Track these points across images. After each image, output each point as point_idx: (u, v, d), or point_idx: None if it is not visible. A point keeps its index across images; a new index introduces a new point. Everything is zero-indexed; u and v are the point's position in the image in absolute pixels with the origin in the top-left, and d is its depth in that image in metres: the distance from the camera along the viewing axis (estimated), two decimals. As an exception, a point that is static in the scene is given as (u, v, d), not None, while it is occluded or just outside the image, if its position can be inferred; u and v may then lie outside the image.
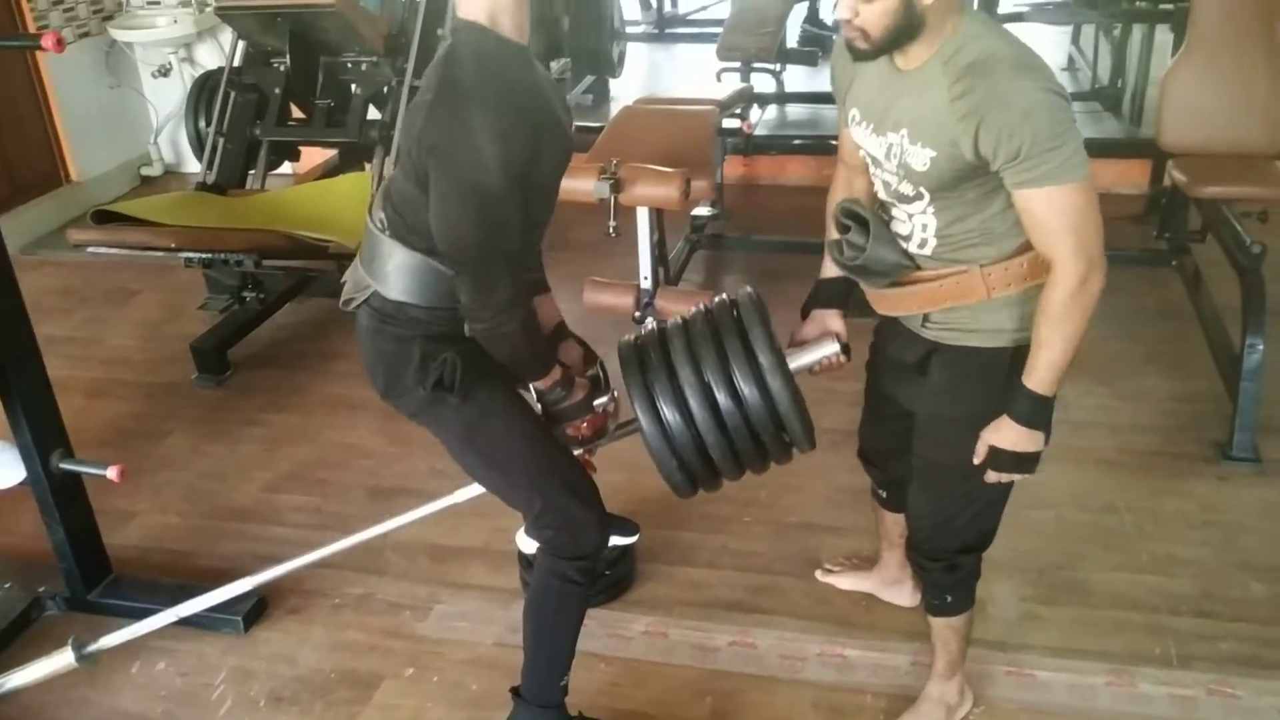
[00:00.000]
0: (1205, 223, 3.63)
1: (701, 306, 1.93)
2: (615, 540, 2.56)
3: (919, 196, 1.77)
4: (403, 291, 1.85)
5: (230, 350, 3.79)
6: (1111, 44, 5.41)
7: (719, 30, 6.99)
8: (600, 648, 2.46)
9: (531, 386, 2.00)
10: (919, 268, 1.85)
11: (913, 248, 1.84)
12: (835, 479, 3.00)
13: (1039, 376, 1.74)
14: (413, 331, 1.87)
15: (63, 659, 2.27)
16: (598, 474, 2.23)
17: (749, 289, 1.92)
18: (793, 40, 6.32)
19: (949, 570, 2.05)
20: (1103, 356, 3.40)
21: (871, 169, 1.86)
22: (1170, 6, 4.65)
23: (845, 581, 2.61)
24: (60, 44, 2.02)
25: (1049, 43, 6.56)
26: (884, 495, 2.35)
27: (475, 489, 2.17)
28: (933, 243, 1.81)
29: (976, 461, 1.87)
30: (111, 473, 2.43)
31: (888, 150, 1.77)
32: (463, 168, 1.65)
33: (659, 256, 3.57)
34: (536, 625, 2.09)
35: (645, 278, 3.51)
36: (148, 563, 2.83)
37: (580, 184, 3.06)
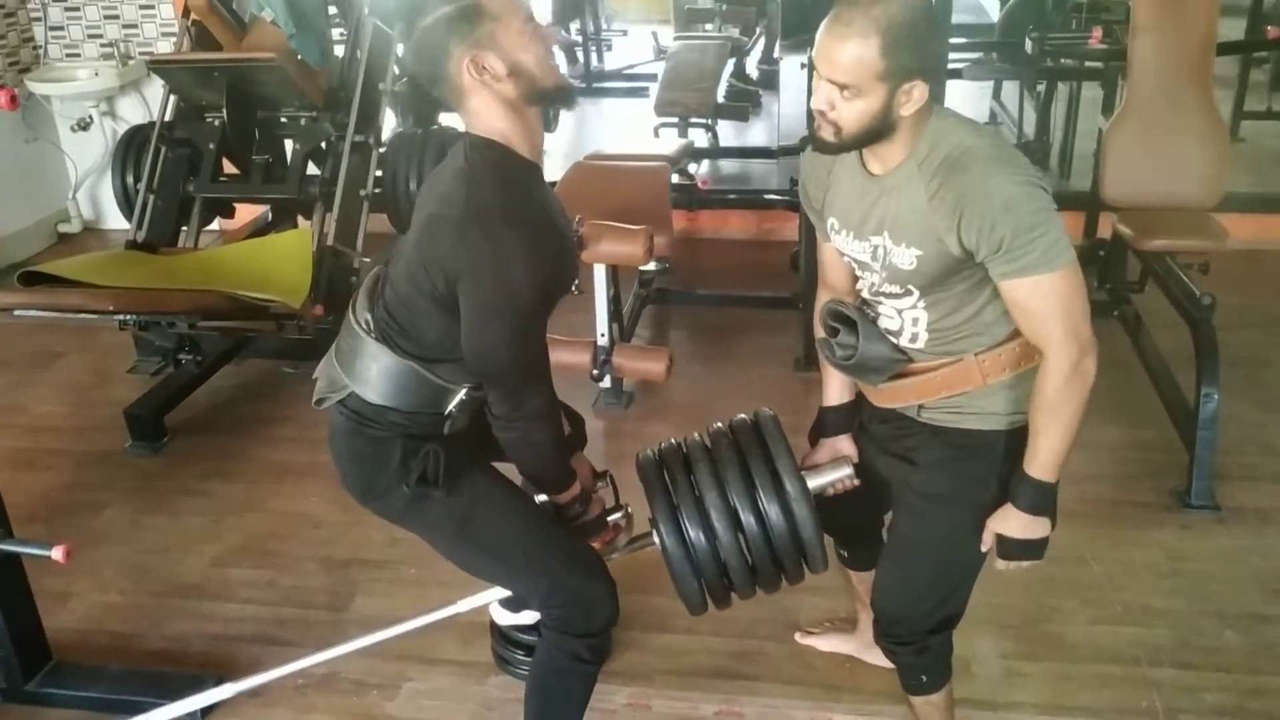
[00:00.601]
0: (1145, 273, 3.73)
1: (721, 426, 1.98)
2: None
3: (908, 293, 1.77)
4: (385, 396, 1.80)
5: (166, 416, 3.62)
6: (1035, 100, 5.57)
7: (646, 85, 7.09)
8: (582, 722, 2.37)
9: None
10: (911, 360, 1.84)
11: (904, 342, 1.84)
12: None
13: (1041, 463, 1.74)
14: (392, 433, 1.81)
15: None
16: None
17: (768, 411, 1.97)
18: (720, 96, 6.39)
19: (920, 653, 2.03)
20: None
21: (858, 271, 1.86)
22: (1099, 65, 4.81)
23: (826, 644, 2.56)
24: (14, 101, 1.91)
25: (969, 97, 6.74)
26: (845, 555, 2.33)
27: (482, 597, 2.11)
28: (924, 336, 1.81)
29: (984, 550, 1.87)
30: (57, 553, 2.27)
31: (873, 253, 1.77)
32: (498, 288, 1.64)
33: (614, 313, 3.53)
34: (542, 708, 2.01)
35: (602, 335, 3.47)
36: (89, 646, 2.65)
37: (542, 242, 3.01)
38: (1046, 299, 1.63)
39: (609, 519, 2.08)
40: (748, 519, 1.86)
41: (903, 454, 1.95)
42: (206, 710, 2.42)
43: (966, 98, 6.78)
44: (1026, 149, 5.53)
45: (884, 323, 1.85)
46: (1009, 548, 1.84)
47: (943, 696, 2.12)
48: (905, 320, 1.82)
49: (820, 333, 1.98)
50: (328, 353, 1.93)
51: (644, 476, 1.96)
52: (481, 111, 1.68)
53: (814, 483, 1.97)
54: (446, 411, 1.83)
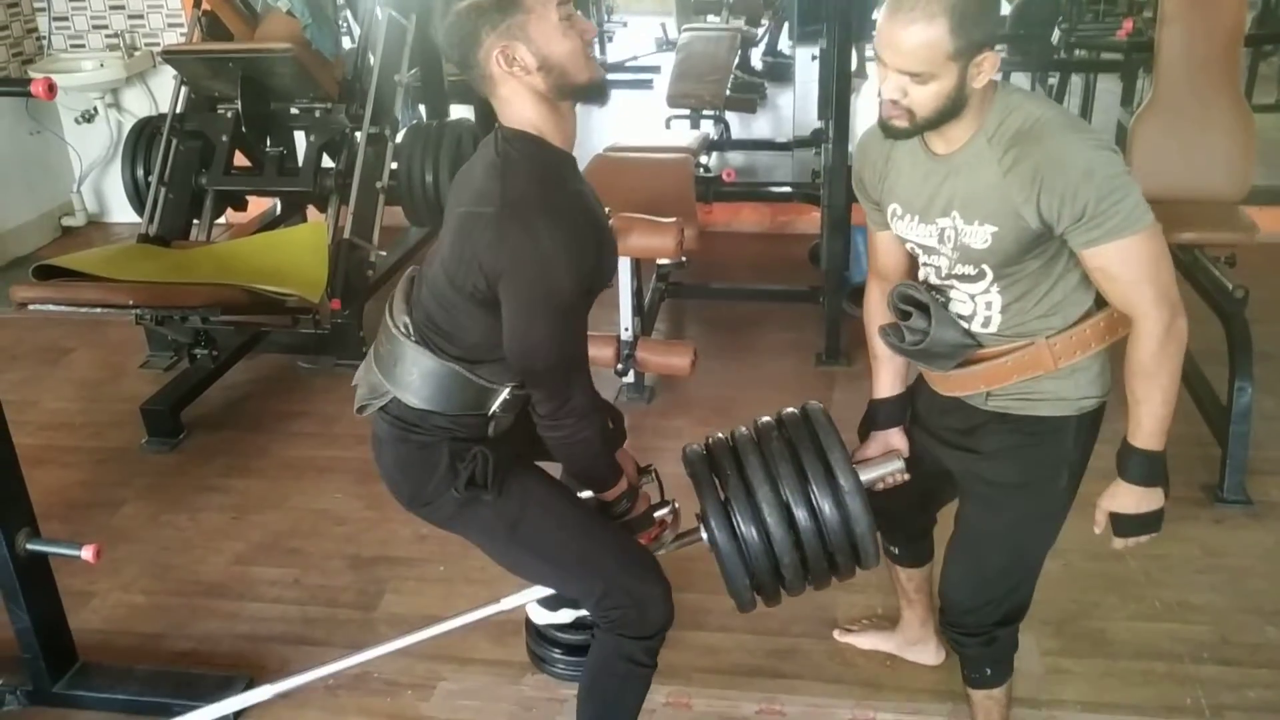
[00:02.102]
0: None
1: (769, 419, 1.94)
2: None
3: (981, 275, 1.74)
4: (428, 400, 1.76)
5: (183, 411, 3.57)
6: (1048, 93, 5.54)
7: (650, 77, 7.05)
8: (622, 723, 2.33)
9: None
10: (981, 345, 1.81)
11: (975, 326, 1.81)
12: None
13: (1146, 432, 1.71)
14: (437, 438, 1.78)
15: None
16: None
17: (817, 404, 1.94)
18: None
19: (987, 644, 2.01)
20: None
21: (923, 258, 1.82)
22: (1119, 57, 4.78)
23: (866, 641, 2.53)
24: (52, 90, 1.86)
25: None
26: (895, 551, 2.29)
27: (523, 595, 2.07)
28: (997, 320, 1.78)
29: (1097, 531, 1.83)
30: (87, 553, 2.24)
31: (940, 235, 1.73)
32: (540, 284, 1.59)
33: (637, 307, 3.49)
34: (599, 713, 1.97)
35: (626, 329, 3.43)
36: (114, 647, 2.60)
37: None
38: (1134, 263, 1.60)
39: (655, 514, 2.04)
40: (801, 513, 1.82)
41: (967, 445, 1.92)
42: (239, 712, 2.38)
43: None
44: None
45: (955, 308, 1.82)
46: (1126, 525, 1.80)
47: (1004, 692, 2.10)
48: (978, 305, 1.78)
49: (874, 322, 1.96)
50: (366, 358, 1.88)
51: (692, 471, 1.93)
52: (512, 101, 1.64)
53: (865, 476, 1.94)
54: (490, 412, 1.79)
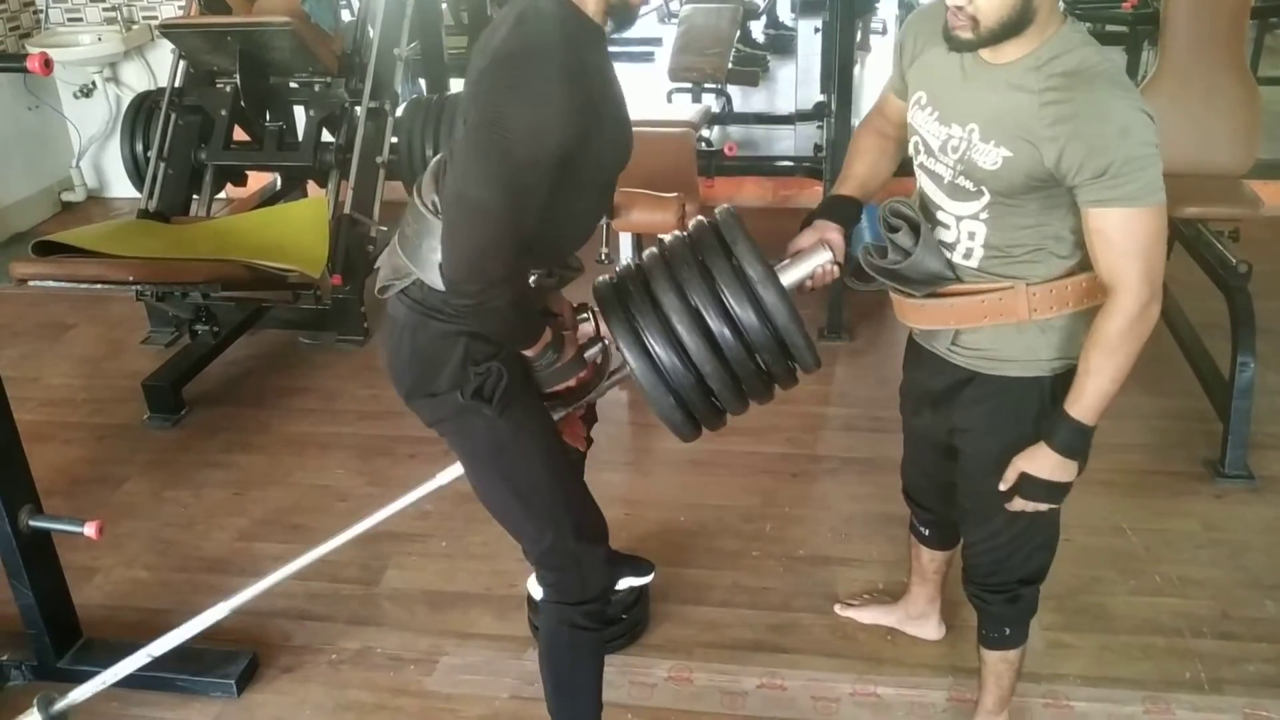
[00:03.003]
0: (1171, 240, 3.68)
1: (679, 233, 1.77)
2: (630, 581, 2.47)
3: (978, 194, 1.70)
4: None
5: (184, 387, 3.57)
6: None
7: (652, 50, 7.00)
8: (625, 697, 2.35)
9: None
10: (960, 280, 1.79)
11: (956, 258, 1.78)
12: (840, 508, 2.95)
13: (1085, 405, 1.69)
14: (459, 326, 1.69)
15: (28, 722, 2.08)
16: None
17: (726, 206, 1.76)
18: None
19: (1011, 602, 2.01)
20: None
21: (920, 157, 1.78)
22: (1124, 29, 4.74)
23: (867, 616, 2.54)
24: (48, 66, 1.85)
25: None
26: (925, 533, 2.28)
27: (453, 472, 2.00)
28: (979, 253, 1.76)
29: (1003, 488, 1.82)
30: (89, 529, 2.24)
31: (945, 141, 1.70)
32: (509, 132, 1.47)
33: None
34: (554, 680, 1.99)
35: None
36: (118, 623, 2.62)
37: (571, 210, 2.96)
38: (1133, 235, 1.58)
39: (585, 354, 1.87)
40: (713, 319, 1.66)
41: (946, 416, 1.92)
42: (242, 686, 2.40)
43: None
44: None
45: (939, 233, 1.79)
46: (1035, 488, 1.78)
47: (1018, 655, 2.10)
48: (961, 232, 1.75)
49: (859, 138, 1.93)
50: (390, 242, 1.80)
51: (598, 298, 1.76)
52: None
53: (789, 273, 1.80)
54: None
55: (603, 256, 3.07)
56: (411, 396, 1.79)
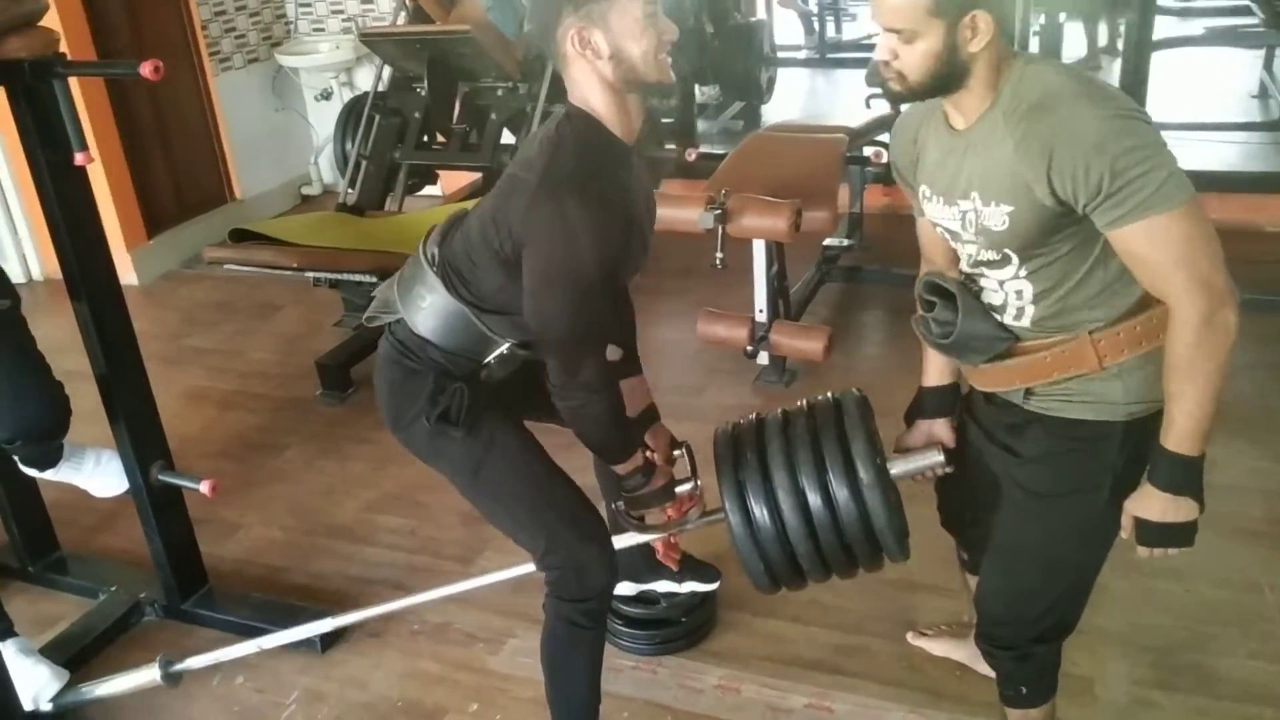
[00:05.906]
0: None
1: (804, 404, 1.92)
2: (693, 586, 2.48)
3: (1006, 260, 1.62)
4: (430, 330, 1.83)
5: (354, 368, 3.87)
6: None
7: (868, 55, 6.84)
8: (669, 699, 2.36)
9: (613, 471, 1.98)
10: (1018, 339, 1.69)
11: (1008, 319, 1.69)
12: (942, 534, 2.79)
13: (1178, 434, 1.54)
14: (428, 368, 1.84)
15: (148, 674, 2.33)
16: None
17: (856, 391, 1.91)
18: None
19: (1020, 661, 1.87)
20: (1257, 413, 3.09)
21: (953, 244, 1.72)
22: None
23: (938, 647, 2.42)
24: (158, 71, 2.07)
25: (1239, 68, 6.10)
26: (965, 558, 2.16)
27: (514, 570, 2.19)
28: (1030, 311, 1.65)
29: (1124, 535, 1.68)
30: (204, 487, 2.49)
31: (962, 220, 1.63)
32: (563, 259, 1.65)
33: (777, 289, 3.45)
34: (550, 675, 2.05)
35: (760, 311, 3.40)
36: (243, 576, 2.90)
37: (686, 214, 2.98)
38: (1164, 244, 1.46)
39: (677, 490, 2.03)
40: (814, 501, 1.79)
41: (1008, 444, 1.80)
42: (327, 644, 2.59)
43: (1231, 70, 6.15)
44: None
45: (987, 298, 1.71)
46: (1149, 533, 1.64)
47: (1042, 713, 1.96)
48: (1008, 293, 1.66)
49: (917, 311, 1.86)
50: (391, 278, 1.96)
51: (716, 451, 1.92)
52: (580, 81, 1.69)
53: (898, 469, 1.88)
54: (485, 360, 1.86)
55: (717, 262, 3.07)
56: (395, 429, 1.94)
